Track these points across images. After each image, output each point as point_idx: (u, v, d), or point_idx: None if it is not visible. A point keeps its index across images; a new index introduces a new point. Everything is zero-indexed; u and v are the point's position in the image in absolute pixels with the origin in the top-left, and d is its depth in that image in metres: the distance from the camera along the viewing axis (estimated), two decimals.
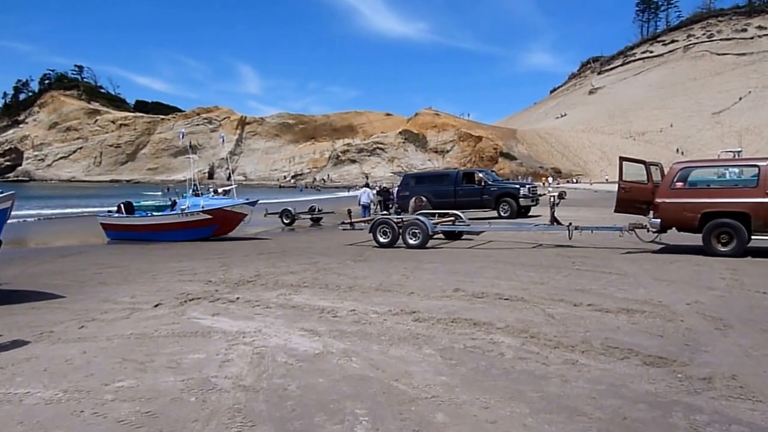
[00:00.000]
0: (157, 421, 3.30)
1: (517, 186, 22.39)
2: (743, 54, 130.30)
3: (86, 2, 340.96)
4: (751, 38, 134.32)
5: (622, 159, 11.35)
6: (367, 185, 25.97)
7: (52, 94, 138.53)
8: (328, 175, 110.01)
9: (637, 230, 10.92)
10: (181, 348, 4.79)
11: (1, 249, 7.67)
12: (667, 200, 10.16)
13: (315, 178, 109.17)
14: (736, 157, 11.03)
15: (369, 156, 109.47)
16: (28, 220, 26.83)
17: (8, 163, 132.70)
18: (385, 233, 12.43)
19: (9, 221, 8.22)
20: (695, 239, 10.25)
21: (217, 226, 15.76)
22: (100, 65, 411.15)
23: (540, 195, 23.71)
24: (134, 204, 18.20)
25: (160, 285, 8.16)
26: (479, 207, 21.25)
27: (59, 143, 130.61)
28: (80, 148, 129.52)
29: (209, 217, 15.56)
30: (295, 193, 71.22)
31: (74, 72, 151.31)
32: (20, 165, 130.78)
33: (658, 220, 10.17)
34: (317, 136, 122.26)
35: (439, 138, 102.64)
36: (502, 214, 20.59)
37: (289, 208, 22.88)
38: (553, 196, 14.55)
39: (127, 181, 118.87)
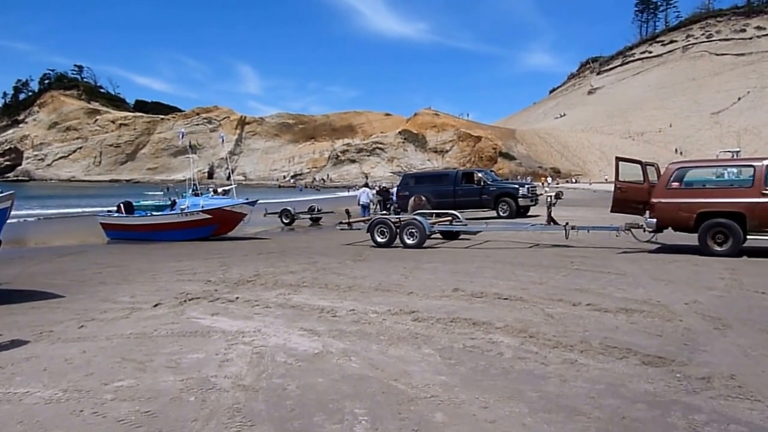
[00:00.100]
0: (157, 420, 3.30)
1: (516, 186, 22.42)
2: (742, 54, 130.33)
3: (86, 2, 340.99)
4: (750, 39, 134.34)
5: (618, 159, 11.41)
6: (366, 185, 26.01)
7: (52, 94, 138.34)
8: (328, 175, 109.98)
9: (633, 230, 10.96)
10: (180, 348, 4.79)
11: (1, 249, 7.68)
12: (663, 200, 10.20)
13: (314, 178, 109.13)
14: (735, 157, 11.08)
15: (368, 156, 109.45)
16: (28, 219, 26.80)
17: (8, 162, 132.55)
18: (382, 233, 12.44)
19: (9, 221, 8.22)
20: (691, 239, 10.28)
21: (217, 226, 15.77)
22: (100, 65, 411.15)
23: (537, 195, 23.76)
24: (134, 204, 18.20)
25: (160, 285, 8.16)
26: (478, 207, 21.27)
27: (59, 143, 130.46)
28: (80, 147, 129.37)
29: (209, 216, 15.57)
30: (295, 193, 71.15)
31: (74, 72, 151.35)
32: (20, 165, 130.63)
33: (654, 220, 10.21)
34: (317, 136, 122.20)
35: (439, 138, 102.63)
36: (501, 214, 20.60)
37: (289, 208, 22.89)
38: (550, 196, 14.61)
39: (127, 180, 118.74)
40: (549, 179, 69.41)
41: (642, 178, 10.90)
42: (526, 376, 3.94)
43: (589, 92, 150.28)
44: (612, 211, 11.66)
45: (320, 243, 14.26)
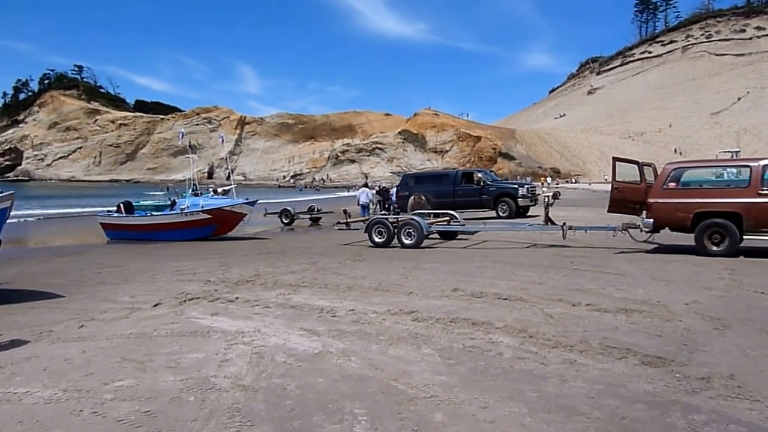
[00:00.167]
0: (156, 420, 3.30)
1: (516, 186, 22.43)
2: (742, 54, 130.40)
3: (86, 2, 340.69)
4: (750, 39, 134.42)
5: (615, 159, 11.43)
6: (366, 185, 26.01)
7: (52, 94, 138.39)
8: (328, 175, 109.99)
9: (630, 230, 10.98)
10: (180, 347, 4.79)
11: (1, 248, 7.68)
12: (660, 200, 10.22)
13: (314, 178, 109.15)
14: (734, 157, 11.09)
15: (368, 156, 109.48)
16: (28, 219, 26.79)
17: (8, 162, 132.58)
18: (380, 233, 12.44)
19: (9, 221, 8.22)
20: (687, 239, 10.30)
21: (217, 226, 15.77)
22: (100, 65, 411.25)
23: (536, 195, 23.79)
24: (134, 204, 18.20)
25: (160, 284, 8.16)
26: (478, 207, 21.29)
27: (59, 143, 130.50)
28: (80, 147, 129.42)
29: (209, 216, 15.57)
30: (295, 192, 71.17)
31: (74, 72, 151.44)
32: (20, 164, 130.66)
33: (651, 220, 10.24)
34: (317, 136, 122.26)
35: (438, 138, 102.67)
36: (501, 214, 20.62)
37: (289, 208, 22.89)
38: (548, 196, 14.62)
39: (127, 180, 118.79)
40: (549, 179, 69.44)
41: (639, 179, 10.92)
42: (526, 376, 3.94)
43: (589, 92, 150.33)
44: (609, 212, 11.69)
45: (320, 243, 14.26)
